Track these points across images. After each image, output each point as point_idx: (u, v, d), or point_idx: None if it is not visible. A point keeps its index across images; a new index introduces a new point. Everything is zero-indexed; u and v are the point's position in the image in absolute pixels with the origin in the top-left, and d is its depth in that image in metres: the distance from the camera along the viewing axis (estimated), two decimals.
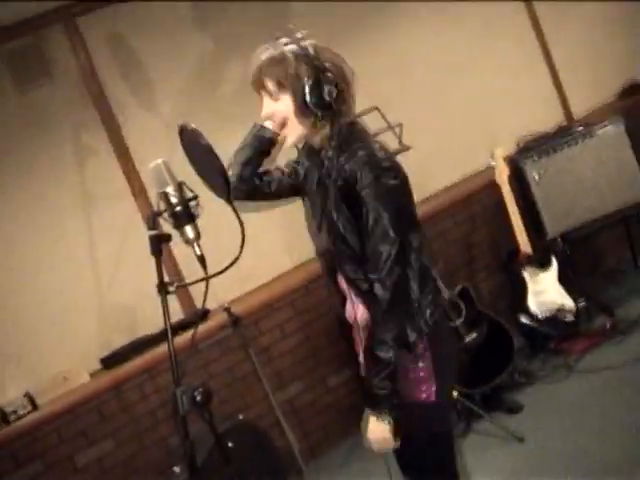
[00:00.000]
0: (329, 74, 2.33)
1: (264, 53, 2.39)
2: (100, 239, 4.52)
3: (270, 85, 2.39)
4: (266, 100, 2.44)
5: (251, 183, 2.64)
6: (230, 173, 2.55)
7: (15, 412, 4.07)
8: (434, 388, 2.43)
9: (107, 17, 4.61)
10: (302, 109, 2.36)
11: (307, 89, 2.32)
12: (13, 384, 4.27)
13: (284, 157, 2.70)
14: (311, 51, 2.35)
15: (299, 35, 2.41)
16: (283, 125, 2.46)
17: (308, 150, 2.57)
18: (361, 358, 2.57)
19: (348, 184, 2.32)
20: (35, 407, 4.13)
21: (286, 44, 2.38)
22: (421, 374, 2.43)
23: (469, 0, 5.54)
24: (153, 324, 4.28)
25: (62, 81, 4.50)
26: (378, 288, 2.31)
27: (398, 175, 2.35)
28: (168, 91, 4.73)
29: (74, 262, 4.47)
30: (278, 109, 2.42)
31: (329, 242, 2.48)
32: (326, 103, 2.33)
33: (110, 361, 4.37)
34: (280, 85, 2.37)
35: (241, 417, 4.19)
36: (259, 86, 2.43)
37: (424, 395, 2.43)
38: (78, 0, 4.48)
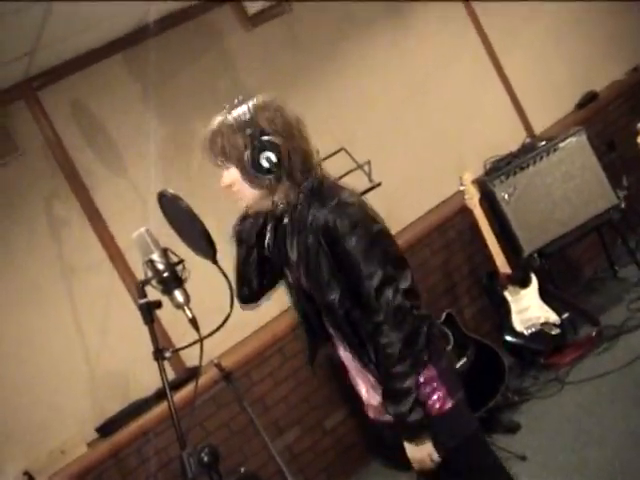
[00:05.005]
0: (266, 137, 2.35)
1: (207, 129, 2.44)
2: (83, 309, 4.50)
3: (217, 158, 2.44)
4: (224, 171, 2.48)
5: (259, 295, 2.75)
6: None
7: None
8: (444, 393, 2.44)
9: (67, 86, 4.63)
10: (248, 176, 2.39)
11: (246, 159, 2.35)
12: (11, 464, 4.20)
13: None
14: (248, 117, 2.37)
15: (239, 102, 2.43)
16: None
17: (270, 218, 2.58)
18: (367, 398, 2.59)
19: (324, 232, 2.35)
20: None
21: (225, 116, 2.42)
22: (428, 384, 2.43)
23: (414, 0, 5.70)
24: (145, 387, 4.29)
25: (29, 155, 4.50)
26: (387, 330, 2.32)
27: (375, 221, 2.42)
28: (135, 154, 4.73)
29: (60, 335, 4.44)
30: (232, 177, 2.45)
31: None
32: (265, 169, 2.35)
33: (106, 429, 4.33)
34: (224, 157, 2.41)
35: (243, 470, 4.16)
36: (211, 160, 2.48)
37: (437, 405, 2.43)
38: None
